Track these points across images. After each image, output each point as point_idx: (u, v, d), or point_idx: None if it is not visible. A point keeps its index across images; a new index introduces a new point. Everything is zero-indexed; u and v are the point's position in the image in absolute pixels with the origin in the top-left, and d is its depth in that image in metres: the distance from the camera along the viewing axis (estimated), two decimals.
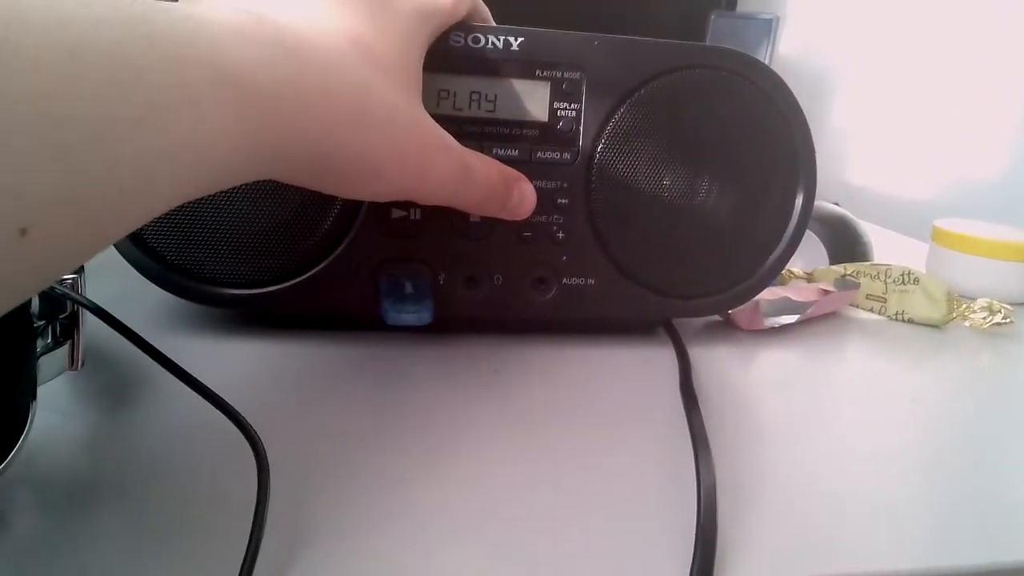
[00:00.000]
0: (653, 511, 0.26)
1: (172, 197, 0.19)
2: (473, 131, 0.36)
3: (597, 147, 0.37)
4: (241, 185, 0.32)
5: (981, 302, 0.50)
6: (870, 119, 1.04)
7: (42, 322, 0.26)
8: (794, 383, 0.39)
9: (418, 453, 0.29)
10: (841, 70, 1.10)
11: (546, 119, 0.37)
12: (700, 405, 0.33)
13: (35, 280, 0.17)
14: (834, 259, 0.58)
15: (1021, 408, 0.39)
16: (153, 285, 0.35)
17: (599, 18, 1.04)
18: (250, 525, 0.22)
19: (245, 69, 0.20)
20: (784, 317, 0.46)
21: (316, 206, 0.35)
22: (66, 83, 0.15)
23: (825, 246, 0.60)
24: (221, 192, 0.31)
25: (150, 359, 0.28)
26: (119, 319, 0.28)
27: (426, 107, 0.29)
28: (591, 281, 0.39)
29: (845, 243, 0.59)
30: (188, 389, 0.27)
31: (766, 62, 0.97)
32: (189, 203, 0.30)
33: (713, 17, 1.06)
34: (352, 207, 0.35)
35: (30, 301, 0.24)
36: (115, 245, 0.33)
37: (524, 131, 0.37)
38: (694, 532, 0.24)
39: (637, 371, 0.38)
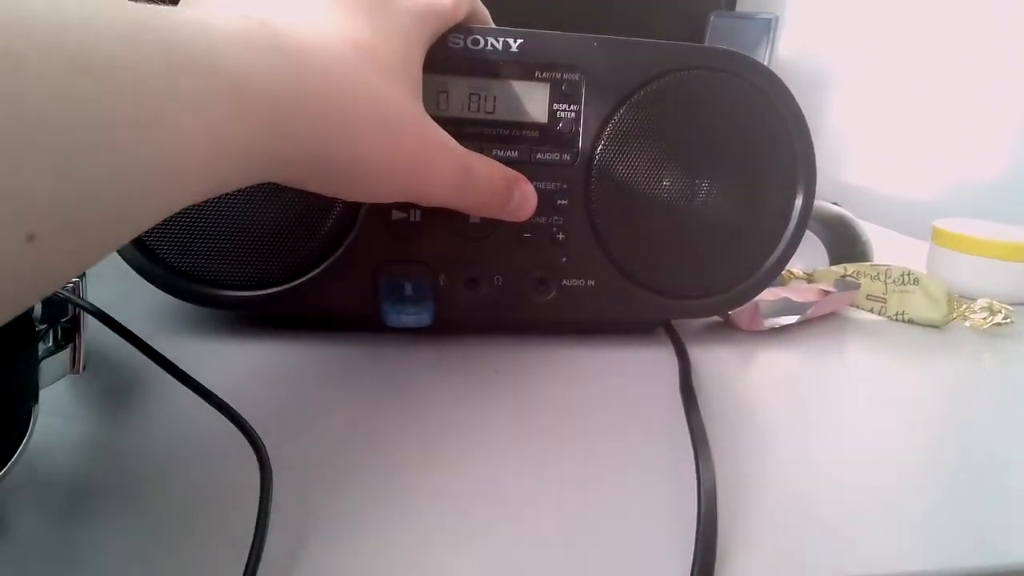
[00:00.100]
0: (653, 512, 0.26)
1: (175, 201, 0.19)
2: (473, 132, 0.36)
3: (597, 148, 0.37)
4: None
5: (981, 302, 0.50)
6: (869, 118, 1.04)
7: (44, 326, 0.26)
8: (794, 384, 0.39)
9: (419, 454, 0.29)
10: (840, 70, 1.10)
11: (545, 120, 0.37)
12: (700, 406, 0.33)
13: (41, 286, 0.17)
14: (834, 259, 0.58)
15: (1021, 408, 0.39)
16: (153, 287, 0.35)
17: (598, 18, 1.04)
18: (253, 527, 0.22)
19: (246, 74, 0.20)
20: (784, 318, 0.46)
21: (316, 208, 0.35)
22: (68, 89, 0.15)
23: (825, 246, 0.60)
24: (221, 194, 0.31)
25: (151, 362, 0.28)
26: (120, 322, 0.28)
27: (426, 109, 0.29)
28: (591, 282, 0.39)
29: (845, 243, 0.59)
30: (189, 391, 0.28)
31: (765, 62, 0.98)
32: (189, 206, 0.30)
33: (712, 17, 1.06)
34: (352, 208, 0.35)
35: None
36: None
37: (524, 132, 0.37)
38: (694, 533, 0.24)
39: (637, 372, 0.38)
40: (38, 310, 0.26)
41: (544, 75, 0.36)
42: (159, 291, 0.35)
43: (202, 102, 0.18)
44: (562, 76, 0.36)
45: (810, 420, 0.35)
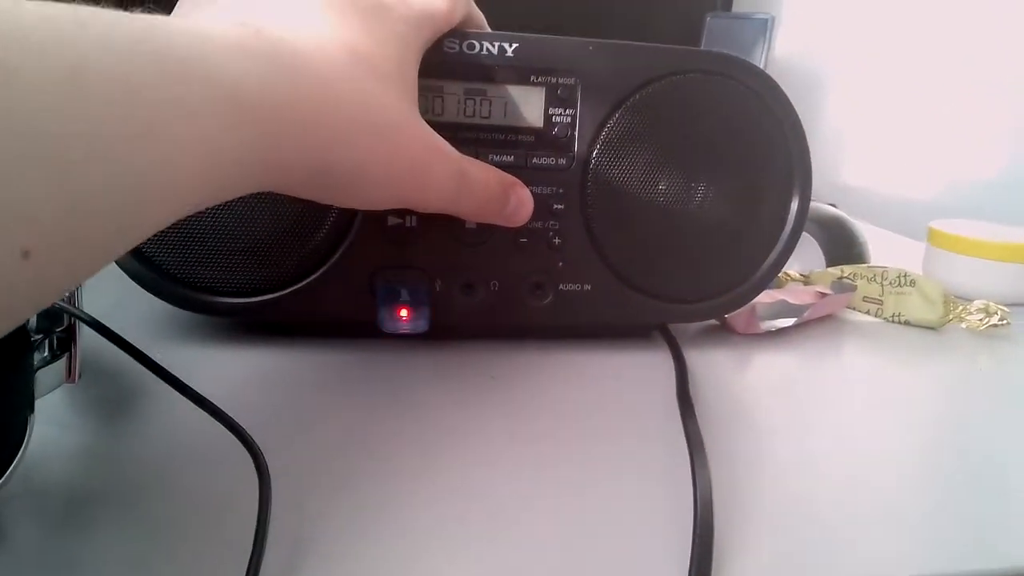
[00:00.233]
0: (650, 516, 0.26)
1: (171, 212, 0.19)
2: (468, 137, 0.36)
3: (592, 152, 0.37)
4: None
5: (978, 304, 0.50)
6: (866, 118, 1.04)
7: (39, 336, 0.26)
8: (791, 386, 0.39)
9: (416, 459, 0.29)
10: (837, 70, 1.10)
11: (541, 125, 0.37)
12: (697, 410, 0.33)
13: (37, 301, 0.17)
14: (831, 261, 0.58)
15: (1018, 410, 0.39)
16: (149, 294, 0.35)
17: (595, 20, 1.04)
18: (251, 535, 0.22)
19: (242, 83, 0.20)
20: (781, 320, 0.46)
21: (312, 214, 0.35)
22: (65, 103, 0.15)
23: (822, 248, 0.60)
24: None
25: (147, 370, 0.28)
26: (116, 332, 0.28)
27: (422, 113, 0.29)
28: (587, 286, 0.39)
29: (841, 245, 0.59)
30: (186, 399, 0.28)
31: (762, 62, 0.98)
32: None
33: (708, 18, 1.07)
34: (348, 215, 0.35)
35: None
36: None
37: (519, 137, 0.37)
38: (691, 538, 0.24)
39: (634, 376, 0.38)
40: (33, 320, 0.26)
41: (540, 79, 0.36)
42: (155, 298, 0.35)
43: (197, 112, 0.18)
44: (557, 80, 0.36)
45: (807, 422, 0.35)
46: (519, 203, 0.34)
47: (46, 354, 0.26)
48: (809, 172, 0.39)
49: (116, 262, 0.34)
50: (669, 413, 0.34)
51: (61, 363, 0.27)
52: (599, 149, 0.37)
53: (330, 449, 0.29)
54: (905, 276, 0.50)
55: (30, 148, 0.14)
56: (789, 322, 0.46)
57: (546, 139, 0.37)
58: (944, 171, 0.89)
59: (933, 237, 0.59)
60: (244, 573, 0.21)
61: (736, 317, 0.44)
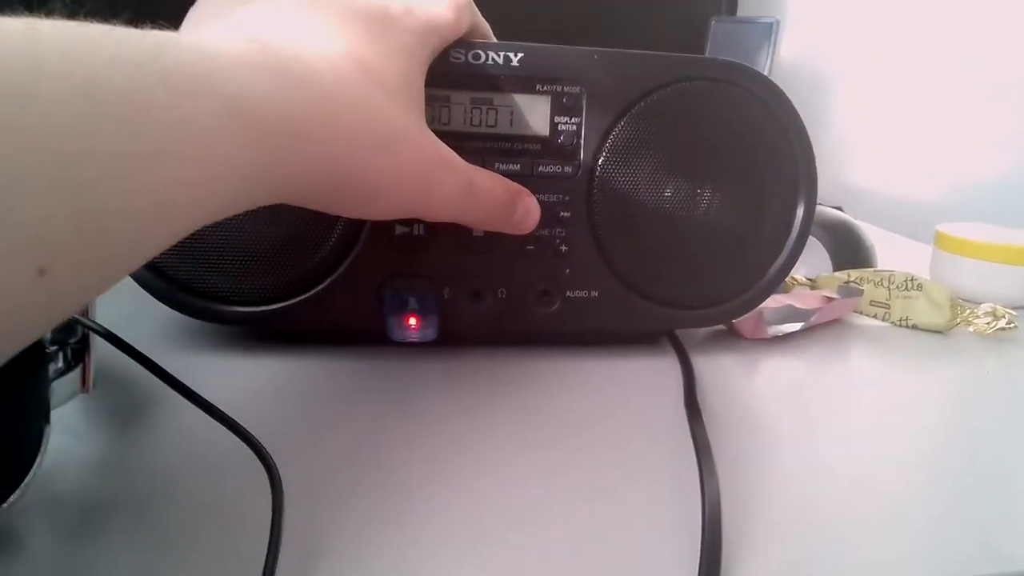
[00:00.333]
0: (659, 522, 0.26)
1: (183, 228, 0.20)
2: (475, 146, 0.36)
3: (598, 160, 0.37)
4: None
5: (985, 307, 0.50)
6: (872, 121, 1.04)
7: (54, 347, 0.26)
8: (798, 391, 0.39)
9: (426, 466, 0.29)
10: (842, 72, 1.10)
11: (547, 133, 0.37)
12: (705, 416, 0.33)
13: (51, 318, 0.17)
14: (837, 265, 0.58)
15: None
16: (161, 304, 0.36)
17: (600, 24, 1.04)
18: (262, 543, 0.22)
19: (251, 99, 0.20)
20: (788, 325, 0.46)
21: (320, 224, 0.35)
22: (80, 123, 0.15)
23: (828, 252, 0.60)
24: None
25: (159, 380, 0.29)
26: (128, 343, 0.29)
27: (428, 123, 0.29)
28: (594, 293, 0.39)
29: (848, 249, 0.59)
30: (198, 408, 0.28)
31: (767, 66, 0.98)
32: None
33: (713, 21, 1.07)
34: (356, 224, 0.36)
35: None
36: None
37: (525, 145, 0.37)
38: (699, 543, 0.24)
39: (641, 382, 0.38)
40: (48, 333, 0.26)
41: (545, 88, 0.36)
42: (166, 307, 0.36)
43: (206, 129, 0.19)
44: (563, 89, 0.37)
45: (815, 427, 0.35)
46: (526, 211, 0.34)
47: (61, 365, 0.27)
48: (815, 178, 0.39)
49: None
50: (678, 419, 0.34)
51: (75, 373, 0.27)
52: (605, 157, 0.37)
53: (340, 457, 0.29)
54: (912, 280, 0.50)
55: (46, 168, 0.15)
56: (796, 327, 0.46)
57: (552, 147, 0.37)
58: (950, 173, 0.89)
59: (940, 240, 0.59)
60: None
61: (743, 322, 0.44)
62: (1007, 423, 0.37)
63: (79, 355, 0.27)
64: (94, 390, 0.28)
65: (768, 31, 1.03)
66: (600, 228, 0.38)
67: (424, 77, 0.30)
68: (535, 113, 0.37)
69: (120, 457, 0.28)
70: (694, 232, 0.39)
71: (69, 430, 0.29)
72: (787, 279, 0.49)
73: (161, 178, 0.17)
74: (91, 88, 0.16)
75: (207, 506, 0.26)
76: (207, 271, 0.35)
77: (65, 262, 0.15)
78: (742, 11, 1.14)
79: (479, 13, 0.36)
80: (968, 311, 0.50)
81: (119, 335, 0.29)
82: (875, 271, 0.52)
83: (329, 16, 0.26)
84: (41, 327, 0.17)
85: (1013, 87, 0.81)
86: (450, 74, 0.35)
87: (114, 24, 0.18)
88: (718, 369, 0.40)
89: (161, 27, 0.20)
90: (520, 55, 0.36)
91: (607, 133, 0.37)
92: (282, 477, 0.25)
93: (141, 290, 0.35)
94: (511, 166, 0.37)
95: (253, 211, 0.33)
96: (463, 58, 0.35)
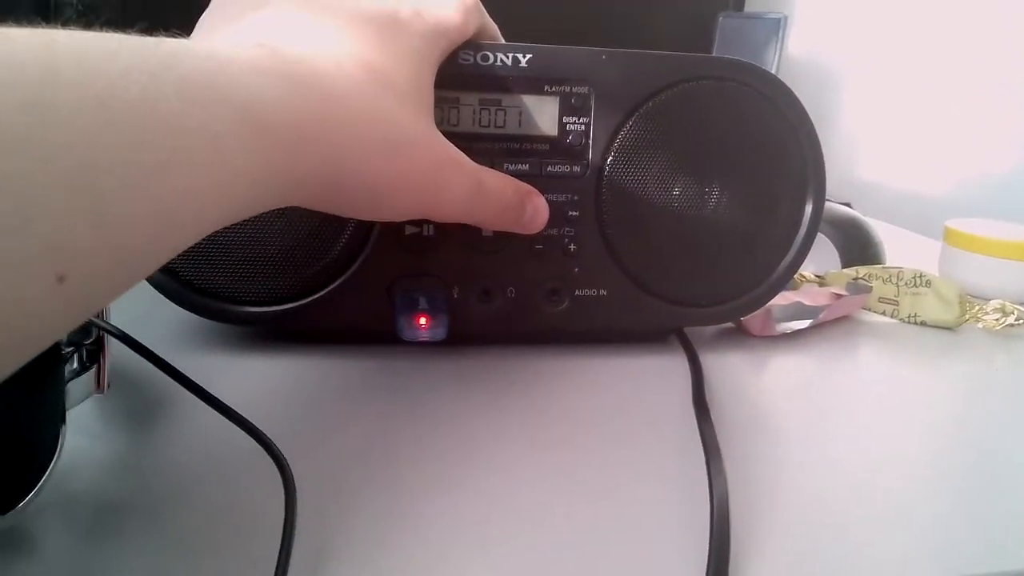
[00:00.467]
0: (668, 520, 0.26)
1: (196, 233, 0.20)
2: (484, 147, 0.36)
3: (607, 160, 0.37)
4: None
5: (994, 303, 0.50)
6: (881, 116, 1.04)
7: (69, 348, 0.27)
8: (807, 388, 0.40)
9: (437, 467, 0.29)
10: (850, 68, 1.09)
11: (556, 133, 0.37)
12: (713, 414, 0.33)
13: (69, 323, 0.17)
14: (846, 262, 0.58)
15: None
16: (174, 305, 0.36)
17: (606, 20, 1.04)
18: (275, 543, 0.22)
19: (262, 104, 0.21)
20: (796, 322, 0.46)
21: (331, 225, 0.35)
22: (97, 133, 0.16)
23: (837, 249, 0.60)
24: None
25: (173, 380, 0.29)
26: (143, 343, 0.29)
27: (437, 124, 0.29)
28: (603, 292, 0.39)
29: (857, 246, 0.59)
30: (212, 408, 0.28)
31: (774, 61, 0.98)
32: None
33: (721, 17, 1.06)
34: (366, 225, 0.36)
35: None
36: None
37: (534, 146, 0.37)
38: (707, 541, 0.25)
39: (651, 380, 0.38)
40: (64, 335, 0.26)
41: (553, 89, 0.37)
42: (179, 308, 0.36)
43: (218, 136, 0.19)
44: (571, 90, 0.37)
45: (823, 425, 0.35)
46: (535, 211, 0.34)
47: (76, 366, 0.27)
48: (823, 175, 0.39)
49: None
50: (687, 417, 0.34)
51: (90, 374, 0.27)
52: (613, 156, 0.37)
53: (351, 456, 0.29)
54: (921, 276, 0.50)
55: (64, 178, 0.15)
56: (805, 324, 0.46)
57: (560, 147, 0.37)
58: (959, 169, 0.89)
59: (949, 236, 0.59)
60: None
61: (752, 320, 0.44)
62: (1016, 420, 0.37)
63: (94, 356, 0.27)
64: (109, 391, 0.28)
65: (776, 27, 1.03)
66: (609, 227, 0.38)
67: (433, 79, 0.31)
68: (544, 113, 0.37)
69: (135, 457, 0.29)
70: (703, 230, 0.39)
71: (84, 431, 0.29)
72: (796, 276, 0.49)
73: (175, 185, 0.18)
74: (108, 98, 0.16)
75: (220, 505, 0.26)
76: (219, 273, 0.36)
77: (83, 270, 0.16)
78: (750, 7, 1.14)
79: (487, 15, 0.36)
80: (977, 307, 0.50)
81: (133, 336, 0.29)
82: (884, 268, 0.52)
83: (338, 20, 0.27)
84: (59, 332, 0.17)
85: (1021, 83, 0.80)
86: (459, 76, 0.35)
87: (129, 33, 0.18)
88: (727, 367, 0.40)
89: (174, 35, 0.21)
90: (528, 56, 0.36)
91: (615, 133, 0.37)
92: (296, 476, 0.25)
93: (155, 292, 0.36)
94: (520, 166, 0.37)
95: (265, 214, 0.34)
96: (472, 60, 0.35)
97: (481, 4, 0.35)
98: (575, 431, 0.33)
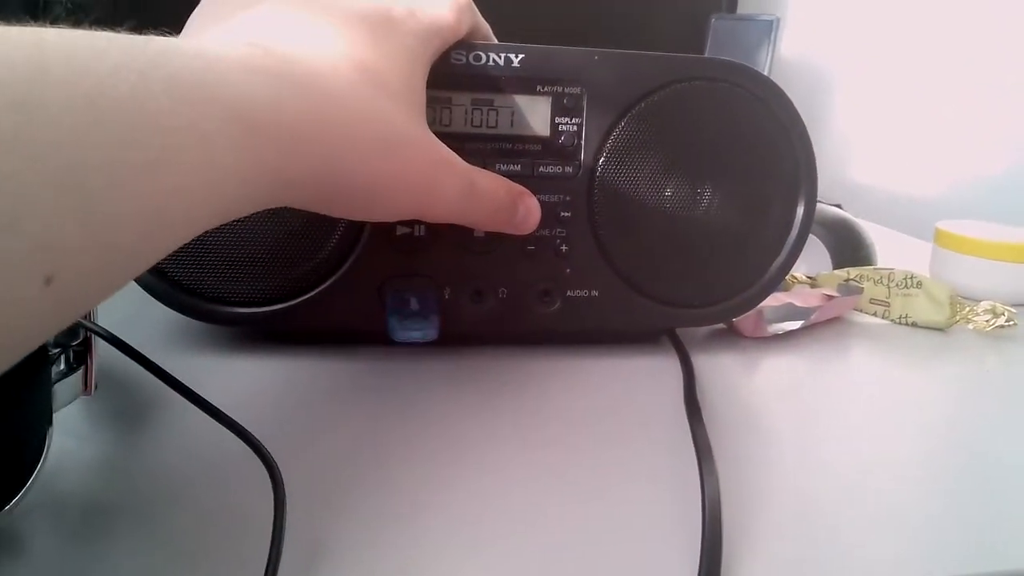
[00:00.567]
0: (659, 521, 0.26)
1: (185, 233, 0.20)
2: (476, 147, 0.36)
3: (599, 160, 0.37)
4: None
5: (984, 305, 0.50)
6: (873, 118, 1.04)
7: (56, 350, 0.26)
8: (798, 389, 0.40)
9: (429, 468, 0.29)
10: (843, 70, 1.10)
11: (548, 134, 0.37)
12: (705, 415, 0.33)
13: (59, 322, 0.17)
14: (837, 263, 0.59)
15: None
16: (162, 306, 0.36)
17: (600, 22, 1.04)
18: (265, 543, 0.22)
19: (253, 104, 0.20)
20: (788, 323, 0.46)
21: (321, 225, 0.35)
22: (86, 132, 0.15)
23: (828, 250, 0.60)
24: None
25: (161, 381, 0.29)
26: (130, 344, 0.29)
27: (429, 124, 0.29)
28: (595, 293, 0.39)
29: (848, 247, 0.59)
30: (200, 410, 0.28)
31: (767, 63, 0.98)
32: None
33: (713, 19, 1.06)
34: (357, 225, 0.36)
35: None
36: None
37: (526, 146, 0.37)
38: (699, 542, 0.24)
39: (642, 381, 0.38)
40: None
41: (546, 89, 0.37)
42: (167, 309, 0.36)
43: (208, 135, 0.19)
44: (563, 90, 0.37)
45: (815, 425, 0.35)
46: (527, 212, 0.34)
47: (63, 367, 0.27)
48: (815, 177, 0.40)
49: None
50: (678, 418, 0.34)
51: (77, 376, 0.27)
52: (605, 157, 0.37)
53: (341, 458, 0.29)
54: (912, 278, 0.50)
55: (53, 178, 0.15)
56: (796, 325, 0.46)
57: (553, 148, 0.37)
58: (950, 171, 0.89)
59: (940, 238, 0.59)
60: None
61: (743, 321, 0.44)
62: (1007, 421, 0.37)
63: (81, 357, 0.27)
64: (96, 392, 0.28)
65: (768, 29, 1.03)
66: (601, 228, 0.38)
67: (426, 79, 0.30)
68: (536, 114, 0.37)
69: (122, 459, 0.29)
70: (695, 231, 0.39)
71: (71, 432, 0.29)
72: (787, 277, 0.49)
73: (164, 184, 0.17)
74: (96, 97, 0.16)
75: (209, 507, 0.26)
76: (208, 273, 0.35)
77: (71, 270, 0.15)
78: (742, 9, 1.14)
79: (480, 14, 0.36)
80: (968, 309, 0.50)
81: (121, 337, 0.29)
82: (875, 269, 0.52)
83: (331, 19, 0.26)
84: (47, 334, 0.17)
85: (1013, 85, 0.81)
86: (451, 75, 0.35)
87: (118, 31, 0.18)
88: (718, 368, 0.40)
89: (164, 33, 0.20)
90: (521, 56, 0.36)
91: (608, 133, 0.37)
92: (285, 477, 0.25)
93: (143, 292, 0.35)
94: (512, 167, 0.37)
95: (255, 214, 0.34)
96: (464, 60, 0.35)
97: (474, 4, 0.35)
98: (567, 432, 0.33)
